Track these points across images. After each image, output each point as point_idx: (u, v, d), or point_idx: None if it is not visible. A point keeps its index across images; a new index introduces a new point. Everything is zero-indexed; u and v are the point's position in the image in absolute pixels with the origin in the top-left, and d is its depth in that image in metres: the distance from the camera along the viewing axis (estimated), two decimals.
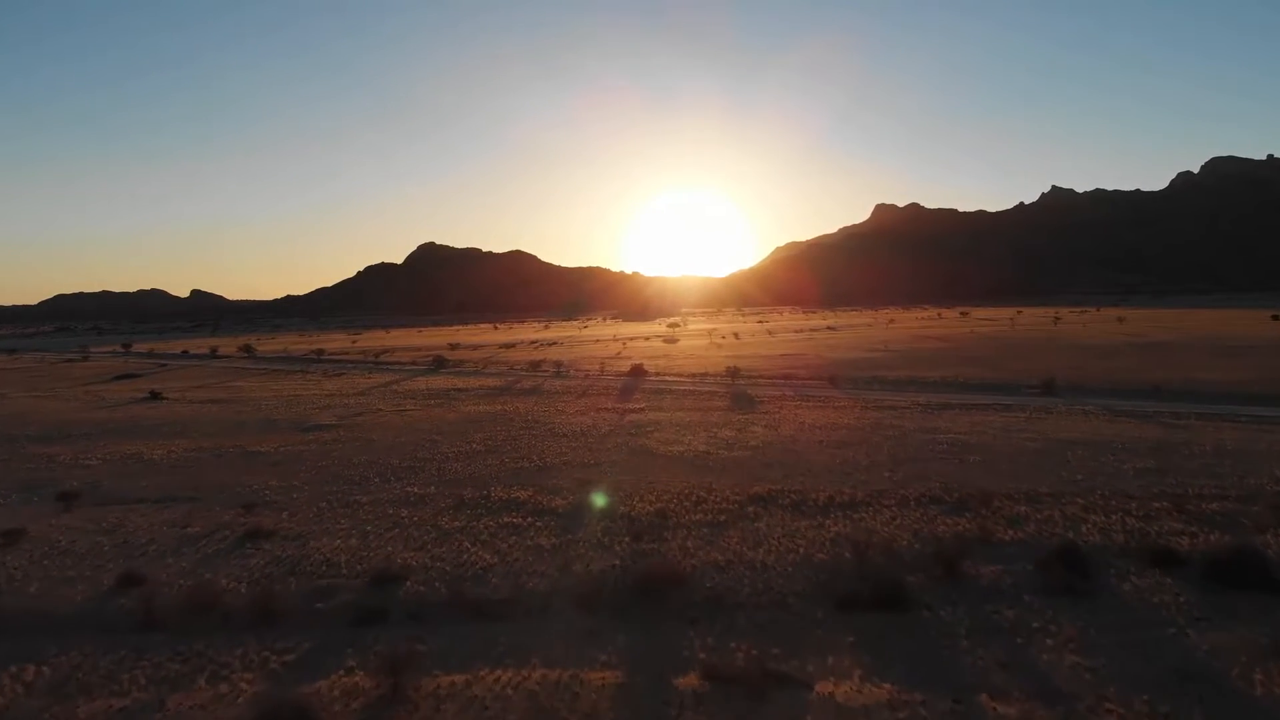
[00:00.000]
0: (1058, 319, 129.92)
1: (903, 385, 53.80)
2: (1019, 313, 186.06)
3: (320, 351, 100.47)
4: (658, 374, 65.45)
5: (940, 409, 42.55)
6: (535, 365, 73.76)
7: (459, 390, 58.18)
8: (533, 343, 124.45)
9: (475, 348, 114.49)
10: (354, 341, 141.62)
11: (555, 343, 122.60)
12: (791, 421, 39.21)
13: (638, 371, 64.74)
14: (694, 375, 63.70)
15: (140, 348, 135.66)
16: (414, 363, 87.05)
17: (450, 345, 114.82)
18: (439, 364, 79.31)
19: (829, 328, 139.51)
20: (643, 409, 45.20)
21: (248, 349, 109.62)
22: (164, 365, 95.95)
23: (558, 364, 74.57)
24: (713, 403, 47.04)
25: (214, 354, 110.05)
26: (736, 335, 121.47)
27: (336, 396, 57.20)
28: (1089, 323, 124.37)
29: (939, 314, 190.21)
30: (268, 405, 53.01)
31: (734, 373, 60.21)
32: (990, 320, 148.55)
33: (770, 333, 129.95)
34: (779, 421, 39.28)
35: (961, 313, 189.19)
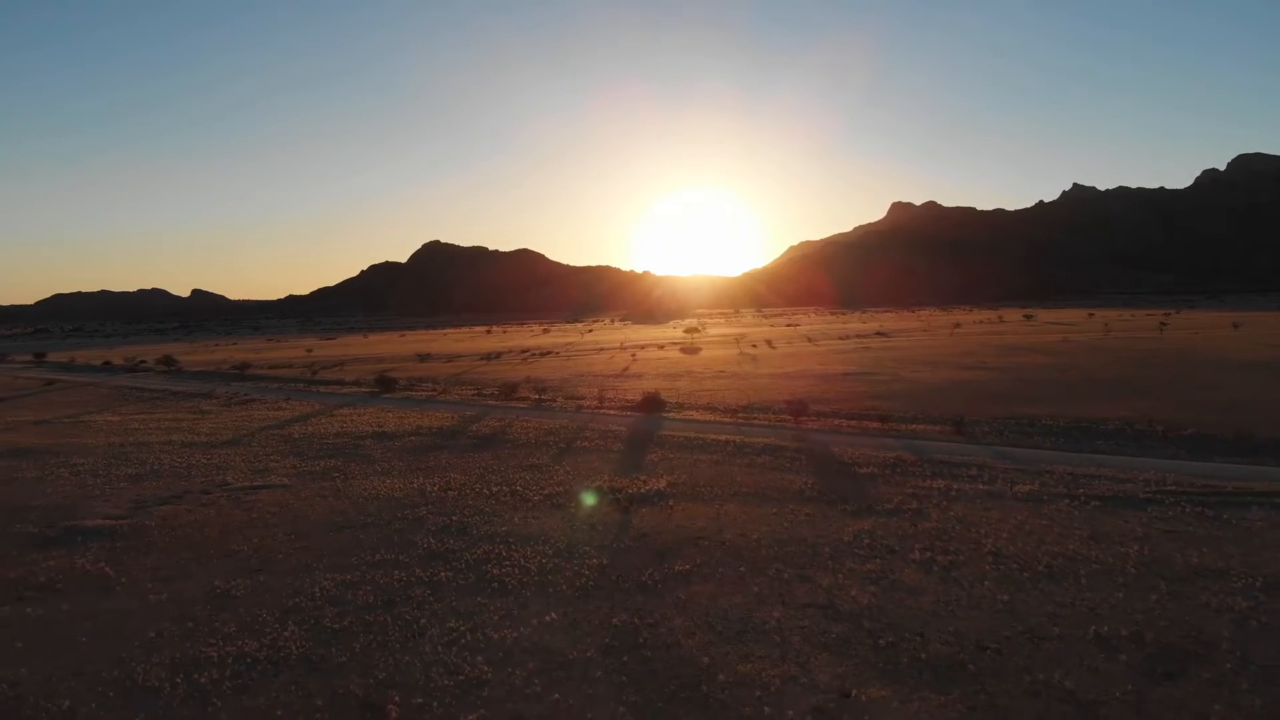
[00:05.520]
0: (1163, 325, 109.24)
1: (1072, 436, 33.89)
2: (1091, 315, 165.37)
3: (245, 366, 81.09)
4: (680, 406, 45.65)
5: (1221, 504, 22.66)
6: (511, 390, 53.95)
7: (382, 436, 38.52)
8: (523, 352, 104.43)
9: (450, 358, 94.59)
10: (309, 351, 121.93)
11: (550, 352, 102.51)
12: (969, 545, 19.33)
13: (652, 403, 44.92)
14: (734, 410, 43.81)
15: (60, 357, 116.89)
16: (358, 382, 67.32)
17: (419, 356, 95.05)
18: (384, 386, 59.58)
19: (879, 333, 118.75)
20: (663, 490, 25.47)
21: (168, 361, 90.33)
22: (51, 384, 76.67)
23: (541, 388, 54.79)
24: (784, 477, 27.19)
25: (135, 367, 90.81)
26: (770, 344, 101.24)
27: (196, 446, 37.71)
28: (1198, 328, 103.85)
29: (999, 316, 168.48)
30: (69, 469, 33.53)
31: (796, 409, 40.27)
32: (1068, 325, 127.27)
33: (810, 339, 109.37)
34: (944, 541, 19.40)
35: (1025, 315, 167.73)
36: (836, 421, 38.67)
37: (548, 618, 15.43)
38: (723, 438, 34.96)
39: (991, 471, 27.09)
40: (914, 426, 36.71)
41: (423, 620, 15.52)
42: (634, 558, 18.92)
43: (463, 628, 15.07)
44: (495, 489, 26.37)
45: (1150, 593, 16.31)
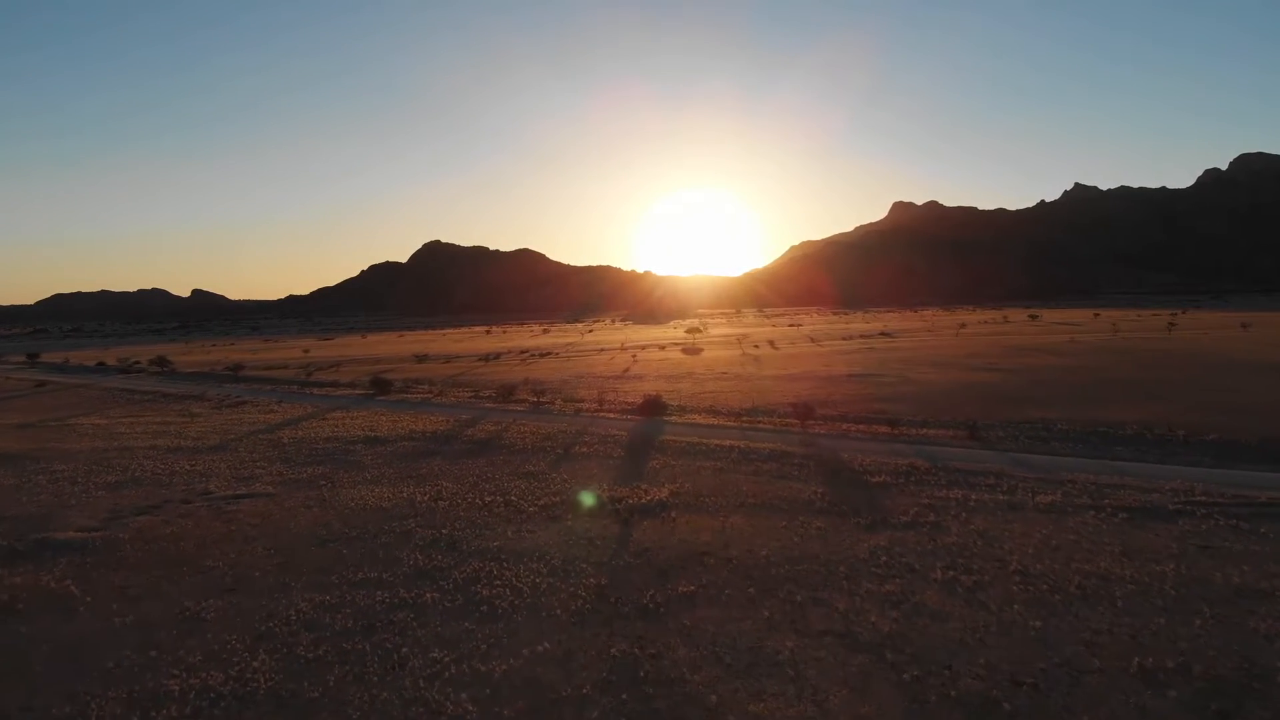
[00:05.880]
0: (1172, 325, 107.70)
1: (1090, 442, 32.57)
2: (1097, 315, 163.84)
3: (239, 367, 79.85)
4: (682, 409, 44.39)
5: (1256, 516, 21.40)
6: (509, 392, 52.70)
7: (374, 441, 37.24)
8: (522, 352, 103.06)
9: (448, 360, 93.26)
10: (305, 352, 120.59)
11: (549, 353, 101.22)
12: (994, 563, 18.05)
13: (653, 406, 43.66)
14: (738, 414, 42.54)
15: (54, 357, 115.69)
16: (353, 384, 66.05)
17: (416, 357, 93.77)
18: (379, 388, 58.35)
19: (883, 333, 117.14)
20: (665, 500, 24.14)
21: (162, 362, 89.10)
22: (42, 385, 75.50)
23: (539, 390, 53.52)
24: (792, 486, 25.88)
25: (128, 369, 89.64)
26: (773, 344, 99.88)
27: (181, 452, 36.47)
28: (1206, 329, 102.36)
29: (1005, 317, 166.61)
30: (48, 476, 32.32)
31: (802, 412, 39.00)
32: (1074, 325, 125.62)
33: (813, 340, 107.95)
34: (967, 559, 18.12)
35: (1030, 315, 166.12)
36: (844, 426, 37.38)
37: (540, 647, 14.15)
38: (727, 443, 33.70)
39: (1010, 480, 25.82)
40: (925, 431, 35.42)
41: (404, 649, 14.25)
42: (634, 577, 17.66)
43: (447, 659, 13.81)
44: (488, 499, 25.11)
45: (1193, 617, 15.05)
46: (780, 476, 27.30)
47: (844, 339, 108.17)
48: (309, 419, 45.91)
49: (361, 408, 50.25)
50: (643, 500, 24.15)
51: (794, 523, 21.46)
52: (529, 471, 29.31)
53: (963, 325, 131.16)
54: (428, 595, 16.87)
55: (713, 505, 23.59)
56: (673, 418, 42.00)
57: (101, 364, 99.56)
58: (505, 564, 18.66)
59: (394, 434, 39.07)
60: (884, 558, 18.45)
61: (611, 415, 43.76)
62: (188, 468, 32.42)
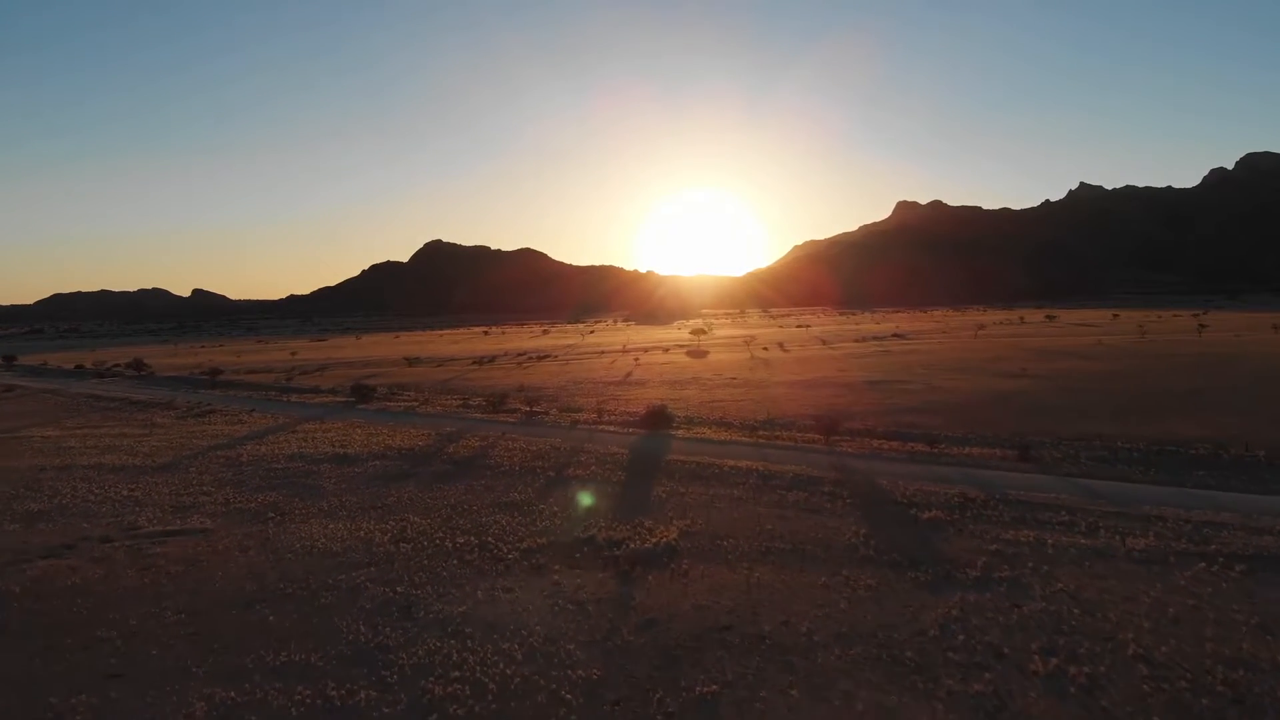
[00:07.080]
0: (1202, 327, 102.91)
1: (1161, 465, 28.32)
2: (1116, 316, 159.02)
3: (217, 371, 75.60)
4: (689, 421, 40.18)
5: None
6: (500, 400, 48.50)
7: (342, 460, 33.04)
8: (519, 355, 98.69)
9: (441, 363, 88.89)
10: (293, 354, 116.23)
11: (548, 356, 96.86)
12: (1103, 643, 13.83)
13: (657, 418, 39.47)
14: (752, 427, 38.28)
15: (35, 359, 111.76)
16: (334, 390, 61.73)
17: (408, 360, 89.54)
18: (360, 395, 54.16)
19: (895, 335, 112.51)
20: (674, 544, 19.91)
21: (138, 366, 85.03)
22: (10, 390, 71.44)
23: (534, 398, 49.24)
24: (826, 524, 21.62)
25: (104, 373, 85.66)
26: (782, 346, 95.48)
27: (125, 471, 32.37)
28: (1235, 330, 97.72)
29: (1020, 318, 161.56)
30: None
31: (826, 426, 34.77)
32: (1095, 326, 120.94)
33: (824, 342, 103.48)
34: (1067, 636, 13.93)
35: (1047, 316, 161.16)
36: (874, 442, 33.11)
37: None
38: (743, 464, 29.46)
39: (1086, 516, 21.57)
40: (969, 450, 31.13)
41: None
42: (636, 666, 13.45)
43: None
44: (461, 540, 20.91)
45: None
46: (810, 509, 23.08)
47: (856, 341, 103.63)
48: (277, 432, 41.72)
49: (337, 418, 46.00)
50: (647, 544, 19.94)
51: (836, 578, 17.25)
52: (512, 501, 25.12)
53: (981, 326, 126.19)
54: (362, 694, 12.70)
55: (733, 551, 19.38)
56: (679, 431, 37.81)
57: (79, 367, 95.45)
58: (469, 642, 14.47)
59: (366, 451, 34.87)
60: (960, 635, 14.25)
61: (611, 428, 39.56)
62: (125, 493, 28.26)
